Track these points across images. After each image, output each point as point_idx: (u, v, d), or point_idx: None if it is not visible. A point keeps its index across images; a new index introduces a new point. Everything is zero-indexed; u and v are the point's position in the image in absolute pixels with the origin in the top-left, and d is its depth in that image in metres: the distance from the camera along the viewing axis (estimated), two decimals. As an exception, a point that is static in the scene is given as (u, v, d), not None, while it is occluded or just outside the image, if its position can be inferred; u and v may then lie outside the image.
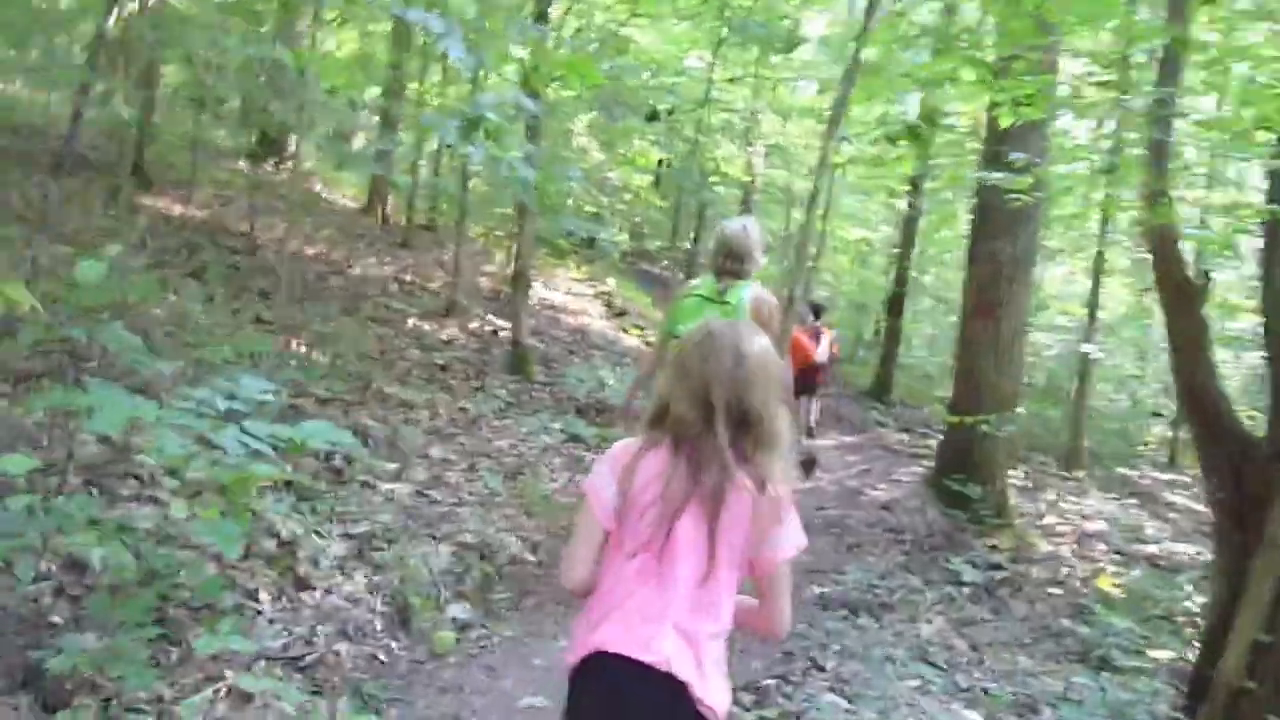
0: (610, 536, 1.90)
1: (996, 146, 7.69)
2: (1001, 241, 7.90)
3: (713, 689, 1.83)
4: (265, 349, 6.00)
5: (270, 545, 3.55)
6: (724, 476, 1.81)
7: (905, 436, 12.02)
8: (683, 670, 1.78)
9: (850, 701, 3.98)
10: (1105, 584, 7.60)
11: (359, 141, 18.40)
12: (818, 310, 12.27)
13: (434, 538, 4.31)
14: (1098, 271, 13.53)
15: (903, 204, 16.77)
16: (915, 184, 13.84)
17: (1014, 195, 7.34)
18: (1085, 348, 13.00)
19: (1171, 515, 11.99)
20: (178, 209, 10.52)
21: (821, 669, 4.20)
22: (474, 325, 10.11)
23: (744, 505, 1.82)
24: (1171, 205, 4.45)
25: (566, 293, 15.24)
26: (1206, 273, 4.45)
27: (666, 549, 1.83)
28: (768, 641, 2.11)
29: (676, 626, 1.82)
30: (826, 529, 6.92)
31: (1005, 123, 4.38)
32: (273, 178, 15.89)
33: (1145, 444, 19.86)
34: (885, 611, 5.31)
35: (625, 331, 14.14)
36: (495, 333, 9.92)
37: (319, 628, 3.24)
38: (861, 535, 6.92)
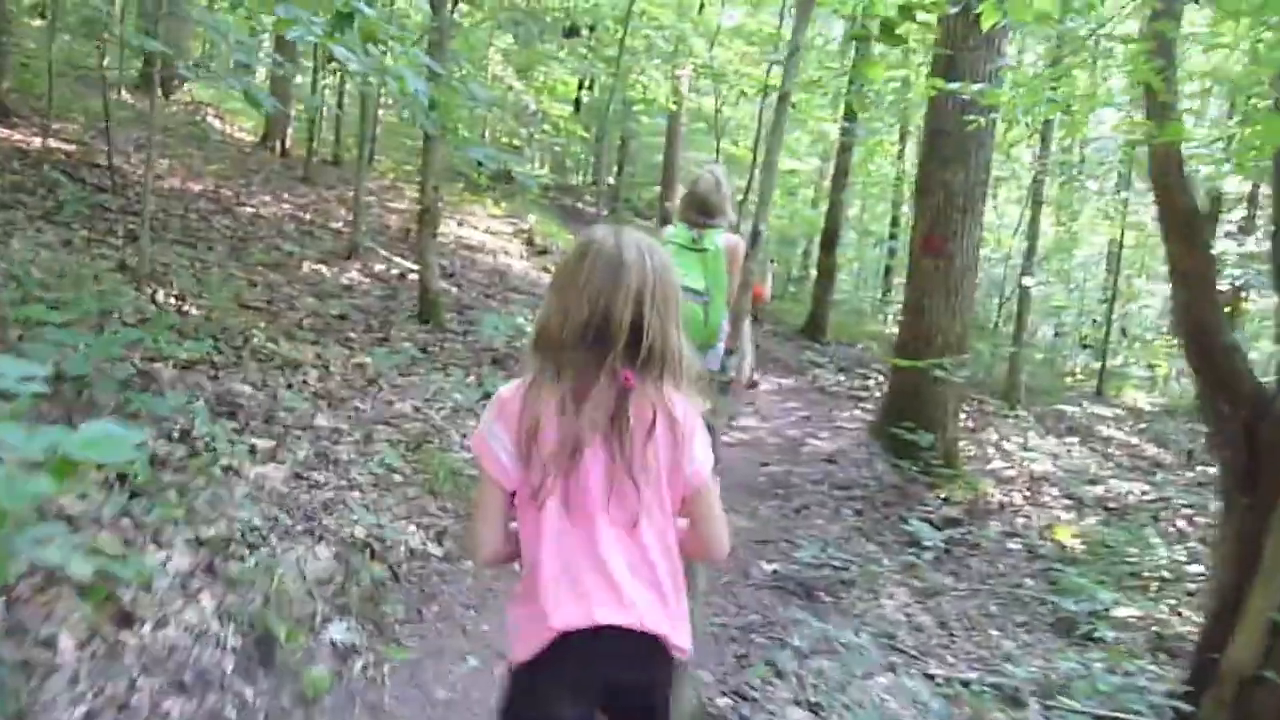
0: (518, 495, 1.68)
1: (952, 52, 7.02)
2: (953, 170, 7.26)
3: (683, 629, 1.71)
4: (116, 303, 5.08)
5: (85, 567, 2.73)
6: (620, 399, 1.62)
7: (842, 378, 11.49)
8: (657, 623, 1.64)
9: (818, 714, 3.36)
10: (1062, 534, 7.17)
11: (260, 72, 17.08)
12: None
13: (312, 535, 3.53)
14: (1035, 201, 13.09)
15: (834, 133, 16.10)
16: (849, 111, 13.12)
17: (970, 117, 6.72)
18: (1026, 281, 12.57)
19: (1110, 451, 11.76)
20: (39, 142, 9.33)
21: (782, 674, 3.56)
22: (379, 268, 9.19)
23: (650, 427, 1.64)
24: (1180, 120, 3.82)
25: (484, 231, 14.30)
26: (1217, 197, 3.82)
27: (583, 495, 1.64)
28: (708, 563, 2.14)
29: (635, 577, 1.65)
30: (771, 489, 6.29)
31: (989, 22, 3.66)
32: (160, 109, 14.58)
33: (1072, 375, 19.80)
34: (844, 588, 4.71)
35: (547, 271, 13.31)
36: (402, 276, 9.03)
37: (142, 680, 2.46)
38: (808, 495, 6.32)
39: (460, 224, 14.15)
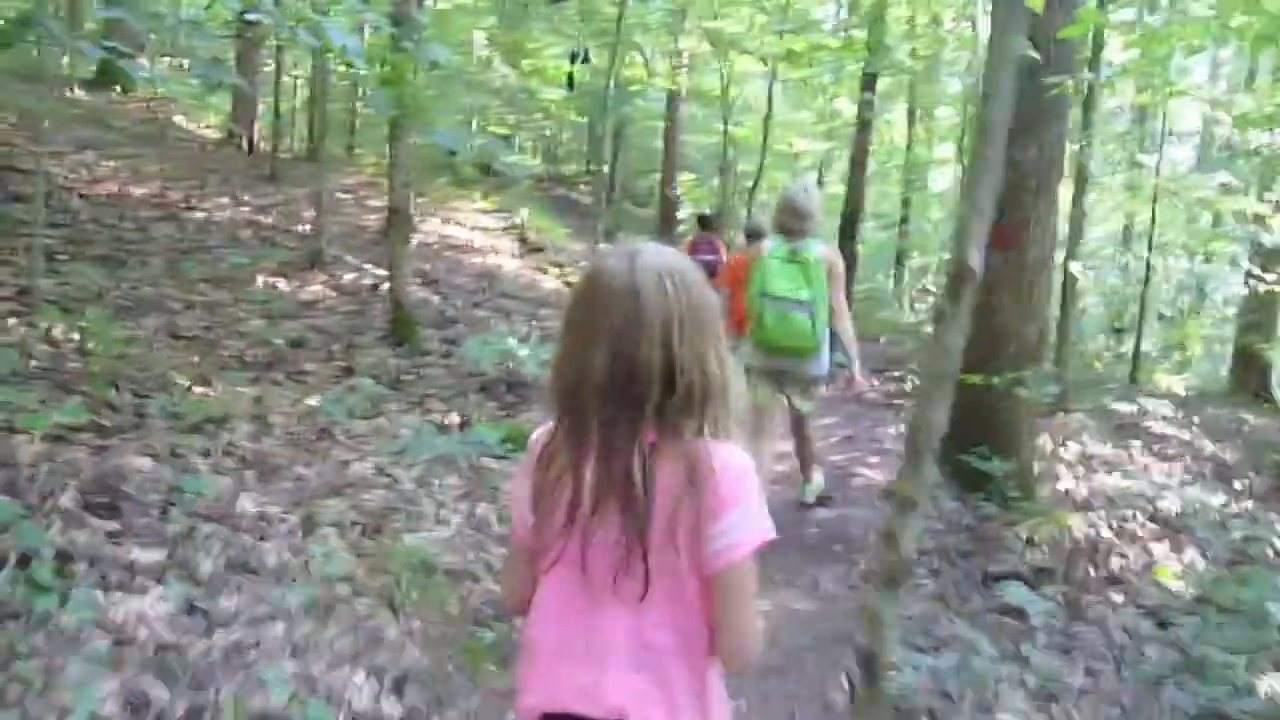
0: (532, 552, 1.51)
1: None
2: (1022, 145, 6.04)
3: None
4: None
5: None
6: (634, 453, 1.36)
7: (875, 381, 10.29)
8: (643, 714, 1.38)
9: None
10: (1167, 576, 6.01)
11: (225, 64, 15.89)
12: (706, 220, 10.65)
13: (195, 722, 2.34)
14: (1080, 179, 11.86)
15: (848, 111, 14.91)
16: (872, 81, 11.92)
17: (1056, 79, 5.55)
18: (1072, 266, 11.34)
19: (1169, 452, 10.61)
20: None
21: None
22: (348, 279, 7.98)
23: (677, 490, 1.36)
24: None
25: (471, 228, 13.09)
26: None
27: (589, 565, 1.41)
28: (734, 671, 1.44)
29: (632, 661, 1.40)
30: (827, 545, 5.10)
31: None
32: (116, 108, 13.42)
33: (1099, 361, 18.64)
34: (950, 705, 3.54)
35: (543, 271, 12.10)
36: (375, 288, 7.81)
37: None
38: (870, 550, 5.13)
39: (445, 222, 12.96)
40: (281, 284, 7.23)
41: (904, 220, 19.43)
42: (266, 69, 15.24)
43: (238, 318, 6.14)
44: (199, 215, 8.62)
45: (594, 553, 1.40)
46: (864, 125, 13.04)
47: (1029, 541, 5.87)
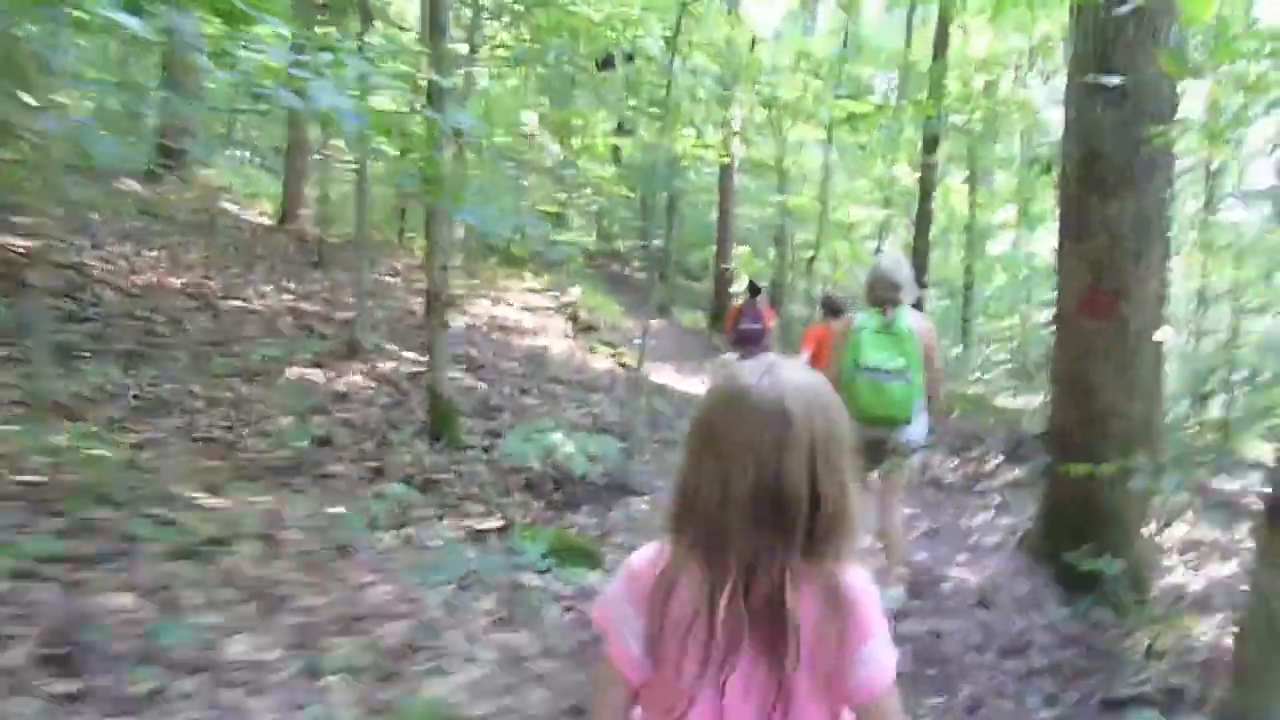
0: (646, 701, 1.40)
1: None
2: (1121, 202, 5.45)
3: None
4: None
5: None
6: (782, 588, 1.29)
7: (955, 460, 9.56)
8: None
9: None
10: (1316, 692, 5.19)
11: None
12: (755, 287, 10.29)
13: None
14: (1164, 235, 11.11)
15: (907, 177, 14.37)
16: (934, 144, 11.38)
17: (1158, 130, 4.97)
18: (1160, 335, 10.55)
19: None
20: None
21: None
22: (387, 368, 7.55)
23: (814, 618, 1.31)
24: None
25: (521, 308, 12.72)
26: None
27: (728, 706, 1.32)
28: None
29: None
30: (922, 669, 4.41)
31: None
32: (168, 198, 13.38)
33: (1185, 430, 17.55)
34: None
35: (594, 351, 11.63)
36: (415, 376, 7.37)
37: None
38: (972, 672, 4.43)
39: (495, 302, 12.60)
40: (317, 376, 6.81)
41: (968, 286, 18.74)
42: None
43: (265, 415, 5.70)
44: (237, 305, 8.31)
45: (737, 697, 1.32)
46: (926, 192, 12.47)
47: (1152, 654, 5.11)
